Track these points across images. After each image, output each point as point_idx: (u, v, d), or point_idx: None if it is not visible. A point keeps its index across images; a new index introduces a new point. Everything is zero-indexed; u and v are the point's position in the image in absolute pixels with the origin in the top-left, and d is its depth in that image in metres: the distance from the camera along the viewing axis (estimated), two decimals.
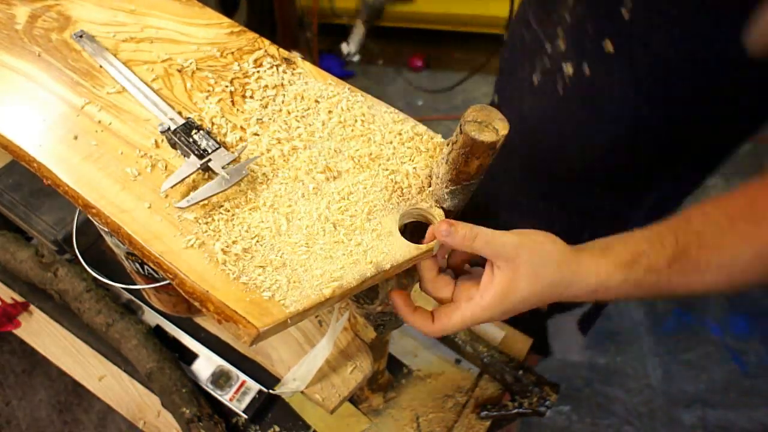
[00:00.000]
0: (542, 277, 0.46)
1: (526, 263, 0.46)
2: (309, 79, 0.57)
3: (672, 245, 0.48)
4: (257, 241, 0.44)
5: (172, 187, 0.46)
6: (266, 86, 0.56)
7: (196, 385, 0.79)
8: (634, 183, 0.77)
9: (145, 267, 0.72)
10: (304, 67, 0.59)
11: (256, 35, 0.61)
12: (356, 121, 0.54)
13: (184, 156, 0.48)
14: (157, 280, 0.75)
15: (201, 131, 0.49)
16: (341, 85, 0.57)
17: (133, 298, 0.89)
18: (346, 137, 0.52)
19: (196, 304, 0.42)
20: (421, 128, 0.54)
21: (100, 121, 0.51)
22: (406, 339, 0.92)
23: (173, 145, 0.50)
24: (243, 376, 0.82)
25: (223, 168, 0.47)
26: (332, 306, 0.65)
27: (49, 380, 0.85)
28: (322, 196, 0.48)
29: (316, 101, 0.55)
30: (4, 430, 0.80)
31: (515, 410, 0.81)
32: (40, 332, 0.87)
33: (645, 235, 0.50)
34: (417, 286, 0.54)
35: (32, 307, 0.90)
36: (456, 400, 0.86)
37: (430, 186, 0.50)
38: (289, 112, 0.54)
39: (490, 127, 0.42)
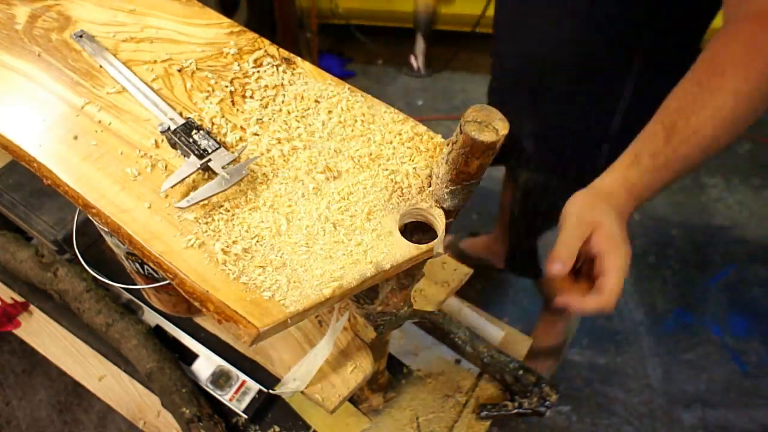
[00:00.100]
0: (601, 212, 0.57)
1: (594, 220, 0.57)
2: (309, 79, 0.57)
3: (660, 129, 0.57)
4: (257, 241, 0.44)
5: (172, 187, 0.46)
6: (266, 86, 0.56)
7: (196, 385, 0.79)
8: (605, 74, 0.88)
9: (145, 267, 0.73)
10: (304, 67, 0.59)
11: (256, 35, 0.61)
12: (356, 121, 0.54)
13: (184, 156, 0.48)
14: (157, 280, 0.75)
15: (201, 131, 0.49)
16: (341, 85, 0.57)
17: (133, 298, 0.89)
18: (346, 137, 0.52)
19: (196, 304, 0.42)
20: (421, 128, 0.54)
21: (100, 121, 0.51)
22: (406, 339, 0.92)
23: (173, 145, 0.50)
24: (243, 376, 0.82)
25: (223, 168, 0.47)
26: (332, 306, 0.65)
27: (49, 380, 0.85)
28: (322, 196, 0.48)
29: (316, 101, 0.55)
30: (4, 430, 0.80)
31: (515, 410, 0.81)
32: (40, 332, 0.87)
33: (634, 142, 0.59)
34: (417, 286, 0.54)
35: (32, 307, 0.90)
36: (456, 400, 0.86)
37: (430, 186, 0.50)
38: (289, 112, 0.54)
39: (490, 127, 0.42)
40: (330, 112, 0.54)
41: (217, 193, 0.45)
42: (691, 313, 1.78)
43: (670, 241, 1.96)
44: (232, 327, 0.40)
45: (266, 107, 0.54)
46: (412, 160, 0.51)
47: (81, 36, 0.58)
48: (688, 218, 2.01)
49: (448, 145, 0.45)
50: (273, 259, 0.43)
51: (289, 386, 0.72)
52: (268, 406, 0.81)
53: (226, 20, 0.63)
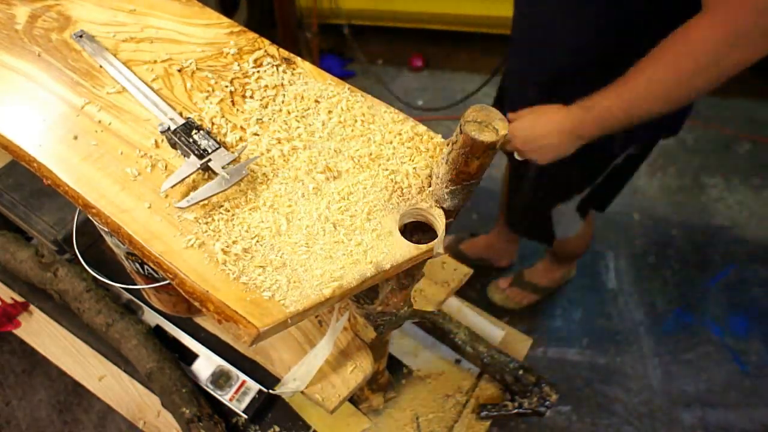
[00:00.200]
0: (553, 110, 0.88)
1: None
2: (309, 79, 0.57)
3: (612, 85, 0.80)
4: (257, 241, 0.44)
5: (172, 187, 0.46)
6: (266, 86, 0.56)
7: (196, 385, 0.79)
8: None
9: (145, 267, 0.72)
10: (304, 67, 0.59)
11: (256, 35, 0.61)
12: (356, 121, 0.54)
13: (184, 156, 0.48)
14: (157, 280, 0.75)
15: (201, 131, 0.49)
16: (341, 85, 0.57)
17: (133, 298, 0.89)
18: (346, 137, 0.52)
19: (196, 304, 0.42)
20: (421, 128, 0.54)
21: (100, 121, 0.51)
22: (406, 339, 0.92)
23: (173, 145, 0.50)
24: (243, 376, 0.82)
25: (223, 168, 0.47)
26: (332, 306, 0.65)
27: (49, 380, 0.85)
28: (322, 196, 0.48)
29: (316, 101, 0.55)
30: (4, 430, 0.80)
31: (515, 410, 0.81)
32: (40, 332, 0.87)
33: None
34: (417, 286, 0.54)
35: (32, 307, 0.90)
36: (456, 400, 0.86)
37: (430, 186, 0.50)
38: (289, 112, 0.54)
39: (490, 127, 0.42)
40: (330, 112, 0.54)
41: (217, 193, 0.45)
42: (691, 313, 1.78)
43: (670, 241, 1.96)
44: (232, 327, 0.40)
45: (266, 107, 0.54)
46: (412, 160, 0.51)
47: (81, 36, 0.58)
48: (688, 218, 2.01)
49: (448, 145, 0.45)
50: (273, 259, 0.43)
51: (289, 386, 0.72)
52: (268, 406, 0.81)
53: (226, 20, 0.63)
